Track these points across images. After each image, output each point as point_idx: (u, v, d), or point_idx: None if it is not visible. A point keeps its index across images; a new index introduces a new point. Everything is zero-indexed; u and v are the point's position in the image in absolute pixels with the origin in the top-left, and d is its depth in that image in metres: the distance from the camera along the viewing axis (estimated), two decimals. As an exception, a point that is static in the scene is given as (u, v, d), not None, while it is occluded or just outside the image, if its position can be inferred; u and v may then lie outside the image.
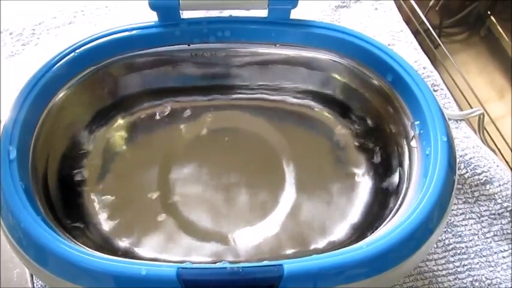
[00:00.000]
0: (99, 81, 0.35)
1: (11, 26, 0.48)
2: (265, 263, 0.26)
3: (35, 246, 0.27)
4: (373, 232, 0.31)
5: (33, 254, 0.27)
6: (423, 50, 0.48)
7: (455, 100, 0.47)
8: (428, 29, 0.53)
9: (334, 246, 0.33)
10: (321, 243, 0.33)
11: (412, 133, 0.33)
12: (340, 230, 0.34)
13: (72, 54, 0.33)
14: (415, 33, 0.51)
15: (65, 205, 0.33)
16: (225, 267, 0.26)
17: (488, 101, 0.51)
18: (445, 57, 0.52)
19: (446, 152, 0.29)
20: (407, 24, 0.51)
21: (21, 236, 0.27)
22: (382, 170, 0.35)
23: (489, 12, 0.56)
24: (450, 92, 0.47)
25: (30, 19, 0.49)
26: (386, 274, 0.27)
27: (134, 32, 0.34)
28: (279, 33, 0.35)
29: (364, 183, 0.36)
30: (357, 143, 0.38)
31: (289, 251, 0.33)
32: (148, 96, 0.38)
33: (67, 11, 0.50)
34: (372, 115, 0.36)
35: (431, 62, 0.47)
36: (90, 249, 0.28)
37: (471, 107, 0.47)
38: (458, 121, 0.43)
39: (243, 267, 0.26)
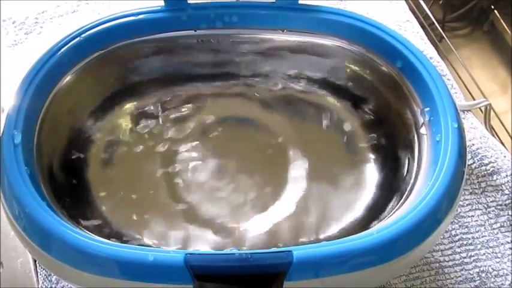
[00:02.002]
0: (105, 67, 0.35)
1: (14, 15, 0.48)
2: (274, 249, 0.26)
3: (40, 232, 0.26)
4: (381, 220, 0.31)
5: (38, 240, 0.27)
6: (427, 43, 0.48)
7: (461, 91, 0.46)
8: (432, 23, 0.53)
9: (341, 234, 0.33)
10: (328, 232, 0.33)
11: (421, 120, 0.32)
12: (348, 219, 0.34)
13: (78, 39, 0.32)
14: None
15: (70, 191, 0.32)
16: (234, 253, 0.25)
17: (491, 95, 0.51)
18: (449, 51, 0.52)
19: (457, 138, 0.29)
20: (411, 15, 0.51)
21: (26, 222, 0.27)
22: (390, 157, 0.35)
23: (492, 7, 0.56)
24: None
25: (33, 8, 0.48)
26: (394, 262, 0.27)
27: (140, 16, 0.34)
28: (287, 18, 0.35)
29: (373, 171, 0.36)
30: (365, 130, 0.37)
31: (296, 240, 0.33)
32: (154, 82, 0.37)
33: (70, 0, 0.49)
34: (381, 102, 0.36)
35: (435, 54, 0.47)
36: (95, 235, 0.27)
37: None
38: (465, 112, 0.43)
39: (251, 253, 0.25)
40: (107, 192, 0.34)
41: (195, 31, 0.36)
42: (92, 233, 0.29)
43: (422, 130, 0.32)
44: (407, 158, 0.33)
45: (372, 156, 0.36)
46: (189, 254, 0.25)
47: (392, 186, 0.33)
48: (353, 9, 0.49)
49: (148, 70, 0.37)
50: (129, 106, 0.37)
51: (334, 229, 0.33)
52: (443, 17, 0.57)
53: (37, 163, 0.29)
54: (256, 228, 0.33)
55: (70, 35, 0.32)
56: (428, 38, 0.49)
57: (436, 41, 0.53)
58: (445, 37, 0.52)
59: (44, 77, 0.31)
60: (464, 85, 0.50)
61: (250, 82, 0.39)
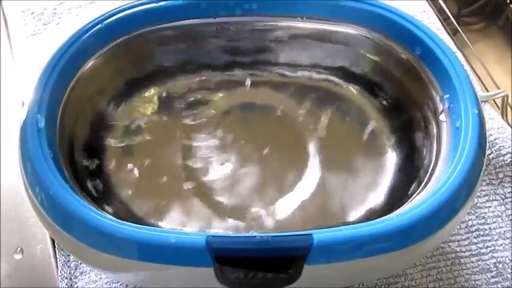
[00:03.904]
0: (126, 53, 0.35)
1: (32, 6, 0.49)
2: (294, 232, 0.26)
3: (63, 213, 0.27)
4: (400, 207, 0.31)
5: (61, 222, 0.27)
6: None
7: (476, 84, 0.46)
8: (448, 17, 0.53)
9: (360, 220, 0.33)
10: (346, 219, 0.33)
11: (441, 107, 0.32)
12: (366, 206, 0.34)
13: (99, 25, 0.33)
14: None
15: (90, 175, 0.33)
16: (255, 236, 0.26)
17: (506, 90, 0.50)
18: (463, 45, 0.52)
19: (478, 124, 0.29)
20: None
21: (49, 204, 0.27)
22: (409, 144, 0.35)
23: (508, 1, 0.56)
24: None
25: (51, -2, 0.49)
26: (412, 249, 0.27)
27: (161, 3, 0.34)
28: (306, 6, 0.35)
29: (391, 158, 0.36)
30: (384, 117, 0.37)
31: (316, 224, 0.33)
32: (174, 70, 0.38)
33: (88, -9, 0.50)
34: (399, 90, 0.36)
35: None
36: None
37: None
38: (483, 102, 0.43)
39: (272, 236, 0.26)
40: (126, 176, 0.34)
41: (215, 18, 0.36)
42: (110, 215, 0.29)
43: (442, 117, 0.32)
44: (426, 145, 0.33)
45: (390, 143, 0.36)
46: (211, 236, 0.25)
47: (411, 173, 0.33)
48: None
49: (168, 57, 0.37)
50: (150, 92, 0.38)
51: (352, 216, 0.33)
52: (458, 12, 0.57)
53: (59, 147, 0.30)
54: (275, 213, 0.34)
55: (92, 21, 0.33)
56: (445, 29, 0.49)
57: (451, 34, 0.53)
58: (460, 31, 0.52)
59: (67, 63, 0.31)
60: (479, 79, 0.50)
61: (268, 70, 0.39)
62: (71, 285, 0.34)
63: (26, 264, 0.36)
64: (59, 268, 0.35)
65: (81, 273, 0.35)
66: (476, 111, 0.30)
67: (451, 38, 0.49)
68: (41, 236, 0.37)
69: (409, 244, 0.27)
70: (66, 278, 0.35)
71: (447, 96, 0.32)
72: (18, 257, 0.36)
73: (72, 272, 0.35)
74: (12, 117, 0.42)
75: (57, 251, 0.36)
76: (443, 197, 0.27)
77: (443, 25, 0.49)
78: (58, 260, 0.35)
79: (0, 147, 0.41)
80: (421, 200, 0.28)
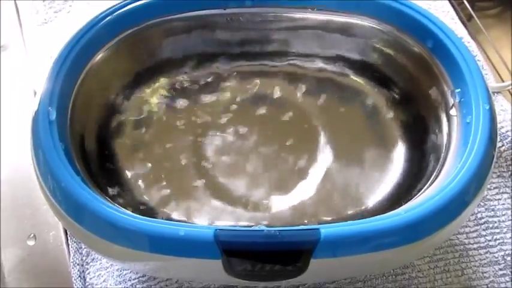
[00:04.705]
0: (136, 44, 0.35)
1: (43, -6, 0.49)
2: (302, 227, 0.27)
3: (75, 205, 0.27)
4: (408, 201, 0.31)
5: (73, 213, 0.27)
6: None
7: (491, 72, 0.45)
8: (462, 2, 0.52)
9: (367, 214, 0.33)
10: (354, 211, 0.33)
11: (451, 101, 0.32)
12: (375, 198, 0.34)
13: (109, 17, 0.33)
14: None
15: (101, 167, 0.33)
16: (262, 230, 0.26)
17: (520, 77, 0.49)
18: (478, 31, 0.51)
19: (488, 120, 0.29)
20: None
21: (61, 195, 0.27)
22: (418, 139, 0.35)
23: (525, -15, 0.54)
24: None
25: (62, -14, 0.49)
26: (420, 243, 0.27)
27: (171, -6, 0.34)
28: (317, -4, 0.35)
29: (400, 152, 0.36)
30: (394, 111, 0.37)
31: (323, 218, 0.33)
32: (184, 61, 0.38)
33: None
34: (410, 83, 0.36)
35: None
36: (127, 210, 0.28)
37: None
38: (495, 93, 0.42)
39: (280, 230, 0.26)
40: (137, 167, 0.35)
41: (224, 9, 0.36)
42: (121, 206, 0.29)
43: (453, 111, 0.32)
44: (436, 140, 0.33)
45: (400, 136, 0.36)
46: (219, 229, 0.26)
47: (421, 168, 0.33)
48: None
49: (178, 48, 0.37)
50: (160, 82, 0.38)
51: (360, 209, 0.33)
52: (473, -3, 0.56)
53: (71, 139, 0.30)
54: (282, 205, 0.34)
55: (102, 13, 0.33)
56: (459, 18, 0.48)
57: (465, 20, 0.52)
58: (475, 17, 0.51)
59: (78, 55, 0.31)
60: (494, 66, 0.49)
61: (279, 61, 0.39)
62: (83, 271, 0.35)
63: (38, 250, 0.36)
64: (71, 254, 0.36)
65: (93, 259, 0.36)
66: (488, 107, 0.29)
67: (464, 25, 0.48)
68: (54, 223, 0.37)
69: (417, 239, 0.27)
70: (78, 265, 0.35)
71: (458, 90, 0.31)
72: (31, 243, 0.37)
73: (84, 258, 0.36)
74: (26, 104, 0.43)
75: (69, 238, 0.36)
76: (453, 192, 0.27)
77: (456, 11, 0.48)
78: (70, 246, 0.36)
79: (9, 135, 0.41)
80: (431, 195, 0.28)
